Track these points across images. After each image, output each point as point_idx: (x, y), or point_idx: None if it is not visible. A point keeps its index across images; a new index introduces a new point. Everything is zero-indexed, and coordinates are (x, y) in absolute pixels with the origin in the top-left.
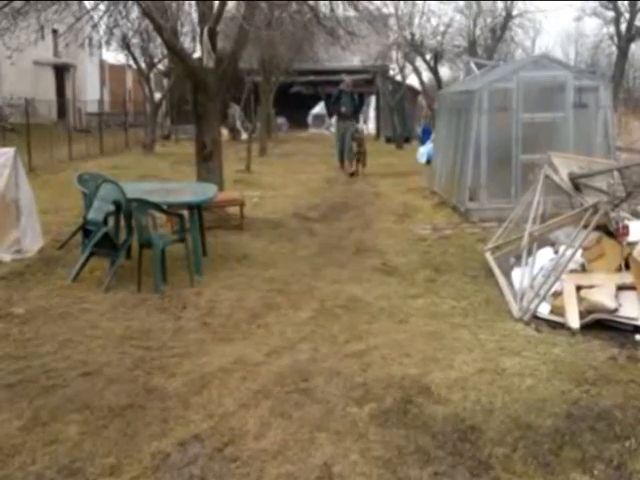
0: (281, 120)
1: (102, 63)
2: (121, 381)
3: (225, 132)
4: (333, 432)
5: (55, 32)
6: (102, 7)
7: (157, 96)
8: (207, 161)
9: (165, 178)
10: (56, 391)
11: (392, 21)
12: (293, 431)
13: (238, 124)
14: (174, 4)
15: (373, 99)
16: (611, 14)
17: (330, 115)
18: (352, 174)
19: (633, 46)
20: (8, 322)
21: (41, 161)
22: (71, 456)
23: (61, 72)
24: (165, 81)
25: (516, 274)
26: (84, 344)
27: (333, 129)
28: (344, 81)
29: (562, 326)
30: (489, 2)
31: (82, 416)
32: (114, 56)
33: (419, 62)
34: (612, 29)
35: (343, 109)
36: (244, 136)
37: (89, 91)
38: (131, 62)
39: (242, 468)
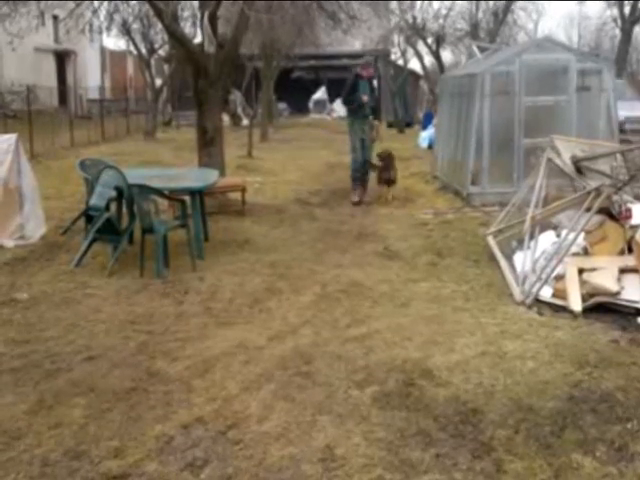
0: (282, 106)
1: (103, 49)
2: (125, 365)
3: (226, 118)
4: (335, 415)
5: (55, 18)
6: None
7: (158, 82)
8: (208, 147)
9: (167, 164)
10: (60, 375)
11: (394, 4)
12: (296, 414)
13: (239, 110)
14: None
15: (375, 83)
16: None
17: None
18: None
19: (637, 28)
20: (12, 307)
21: (43, 148)
22: (76, 439)
23: (62, 58)
24: (166, 67)
25: (518, 258)
26: (87, 329)
27: (335, 114)
28: (364, 62)
29: (564, 309)
30: None
31: (86, 400)
32: (115, 42)
33: (421, 46)
34: (615, 11)
35: (364, 103)
36: (245, 122)
37: (90, 77)
38: (132, 48)
39: (245, 450)
